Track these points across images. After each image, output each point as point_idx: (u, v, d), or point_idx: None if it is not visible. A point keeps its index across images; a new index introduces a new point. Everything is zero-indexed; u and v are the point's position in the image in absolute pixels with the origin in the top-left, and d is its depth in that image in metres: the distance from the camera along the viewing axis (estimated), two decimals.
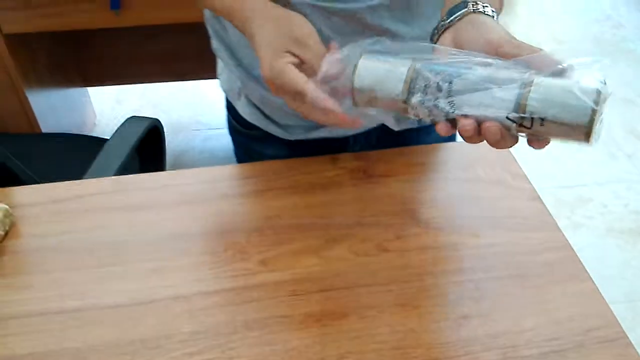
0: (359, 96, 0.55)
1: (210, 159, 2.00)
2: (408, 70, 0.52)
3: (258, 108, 0.79)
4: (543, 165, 1.96)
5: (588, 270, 0.64)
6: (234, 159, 0.92)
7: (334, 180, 0.75)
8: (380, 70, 0.53)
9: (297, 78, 0.54)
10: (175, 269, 0.64)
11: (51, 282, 0.63)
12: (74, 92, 1.98)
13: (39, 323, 0.59)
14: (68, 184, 0.76)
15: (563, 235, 0.67)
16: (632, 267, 1.65)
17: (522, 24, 2.88)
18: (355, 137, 0.82)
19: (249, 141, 0.83)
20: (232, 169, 0.77)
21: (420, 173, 0.76)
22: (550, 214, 0.70)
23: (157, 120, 1.10)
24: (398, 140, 0.78)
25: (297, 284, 0.62)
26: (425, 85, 0.51)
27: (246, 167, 0.78)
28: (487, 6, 0.55)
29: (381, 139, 0.82)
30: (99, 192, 0.75)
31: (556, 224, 0.69)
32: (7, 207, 0.68)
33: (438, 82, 0.51)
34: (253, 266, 0.64)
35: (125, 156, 0.97)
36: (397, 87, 0.52)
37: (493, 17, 0.54)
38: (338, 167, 0.77)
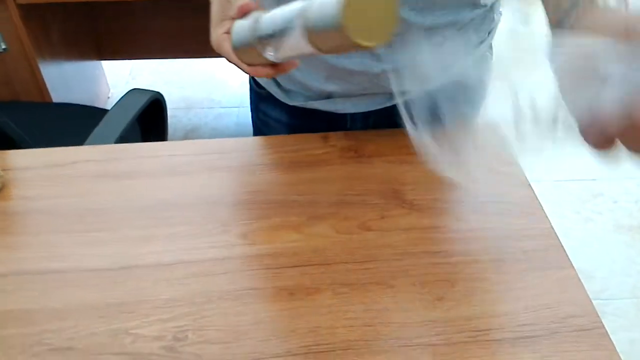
0: (240, 55, 0.57)
1: (220, 137, 2.01)
2: (256, 24, 0.53)
3: None
4: (555, 158, 1.93)
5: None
6: (244, 136, 0.93)
7: (322, 158, 0.75)
8: (243, 28, 0.55)
9: (228, 50, 0.58)
10: (158, 237, 0.65)
11: (38, 243, 0.64)
12: (88, 65, 2.00)
13: (22, 282, 0.60)
14: (62, 149, 0.78)
15: (549, 222, 0.66)
16: (638, 263, 1.63)
17: None
18: (353, 116, 0.82)
19: (259, 100, 0.86)
20: (221, 143, 0.78)
21: (411, 155, 0.75)
22: (539, 202, 0.69)
23: (159, 94, 1.11)
24: (394, 126, 0.78)
25: (274, 258, 0.62)
26: (268, 35, 0.52)
27: (235, 141, 0.78)
28: None
29: (377, 122, 0.82)
30: (92, 159, 0.76)
31: (543, 211, 0.68)
32: None
33: (272, 30, 0.51)
34: (233, 239, 0.64)
35: (125, 126, 0.98)
36: (254, 43, 0.54)
37: None
38: (329, 145, 0.77)
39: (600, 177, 1.90)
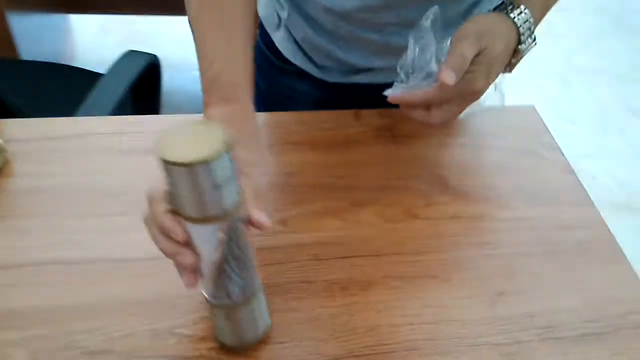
0: None
1: (198, 103, 1.91)
2: None
3: (299, 45, 0.74)
4: None
5: None
6: None
7: (357, 138, 0.70)
8: None
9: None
10: None
11: (51, 228, 0.57)
12: (56, 18, 1.86)
13: (38, 274, 0.53)
14: (66, 120, 0.70)
15: (598, 212, 0.64)
16: None
17: None
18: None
19: (281, 75, 0.78)
20: None
21: (449, 137, 0.71)
22: (584, 189, 0.67)
23: (155, 57, 1.02)
24: None
25: (320, 248, 0.57)
26: None
27: (263, 116, 0.72)
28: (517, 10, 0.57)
29: None
30: (99, 132, 0.68)
31: (590, 199, 0.66)
32: (1, 141, 0.61)
33: None
34: (273, 226, 0.59)
35: (122, 93, 0.89)
36: None
37: (512, 18, 0.57)
38: (362, 124, 0.72)
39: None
